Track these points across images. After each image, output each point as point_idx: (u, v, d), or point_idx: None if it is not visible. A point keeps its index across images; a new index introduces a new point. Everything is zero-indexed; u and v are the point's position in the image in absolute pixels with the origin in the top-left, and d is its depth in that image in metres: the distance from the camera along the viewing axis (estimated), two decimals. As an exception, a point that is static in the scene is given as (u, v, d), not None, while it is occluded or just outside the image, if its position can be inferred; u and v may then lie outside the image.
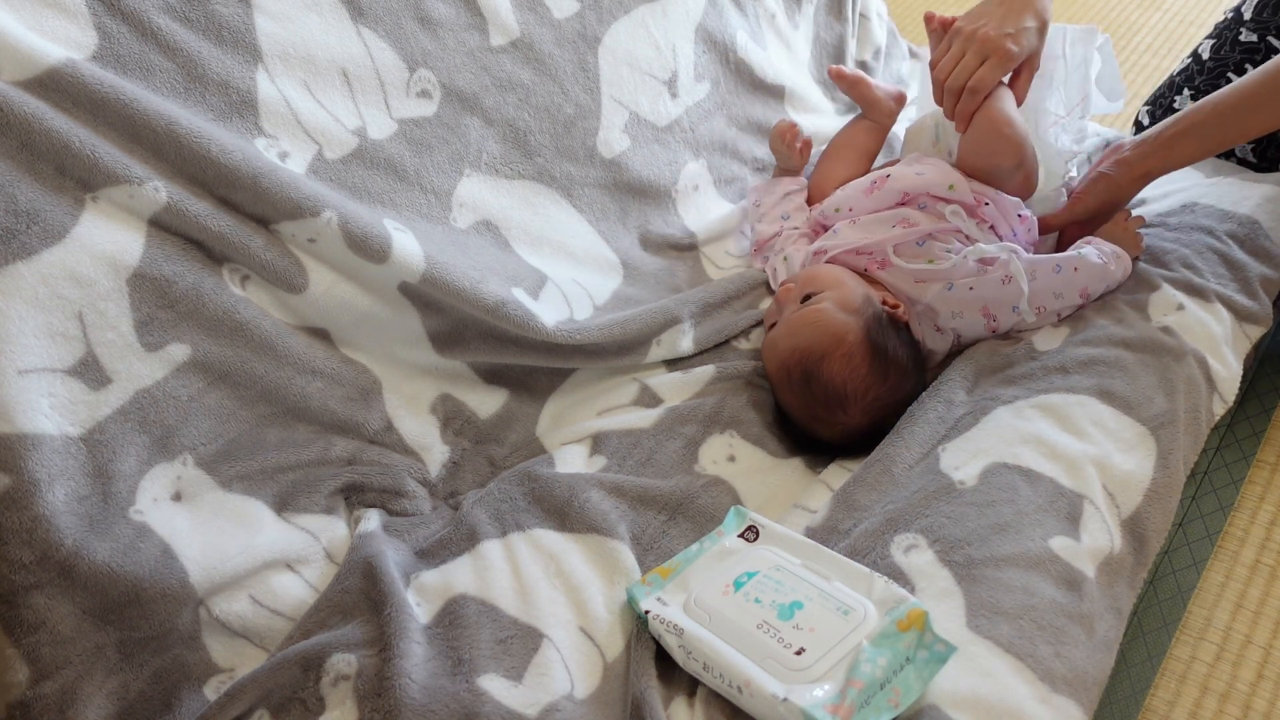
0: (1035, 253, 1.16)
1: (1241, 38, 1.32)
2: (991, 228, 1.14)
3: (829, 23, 1.58)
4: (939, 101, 1.17)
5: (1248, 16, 1.33)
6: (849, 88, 1.34)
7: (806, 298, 1.10)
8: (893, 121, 1.35)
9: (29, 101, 0.81)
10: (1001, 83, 1.14)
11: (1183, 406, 1.00)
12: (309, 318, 0.99)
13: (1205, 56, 1.36)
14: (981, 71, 1.11)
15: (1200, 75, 1.36)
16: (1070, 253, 1.11)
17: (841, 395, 1.03)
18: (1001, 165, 1.14)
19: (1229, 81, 1.32)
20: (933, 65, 1.18)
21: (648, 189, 1.29)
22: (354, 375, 1.01)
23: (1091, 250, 1.12)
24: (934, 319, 1.12)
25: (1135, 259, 1.17)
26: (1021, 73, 1.14)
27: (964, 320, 1.11)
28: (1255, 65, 1.30)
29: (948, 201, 1.15)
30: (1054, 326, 1.11)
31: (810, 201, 1.32)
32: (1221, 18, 1.39)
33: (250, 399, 0.94)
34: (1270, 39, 1.30)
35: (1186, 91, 1.37)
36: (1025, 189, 1.17)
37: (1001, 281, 1.08)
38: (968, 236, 1.13)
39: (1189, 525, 1.13)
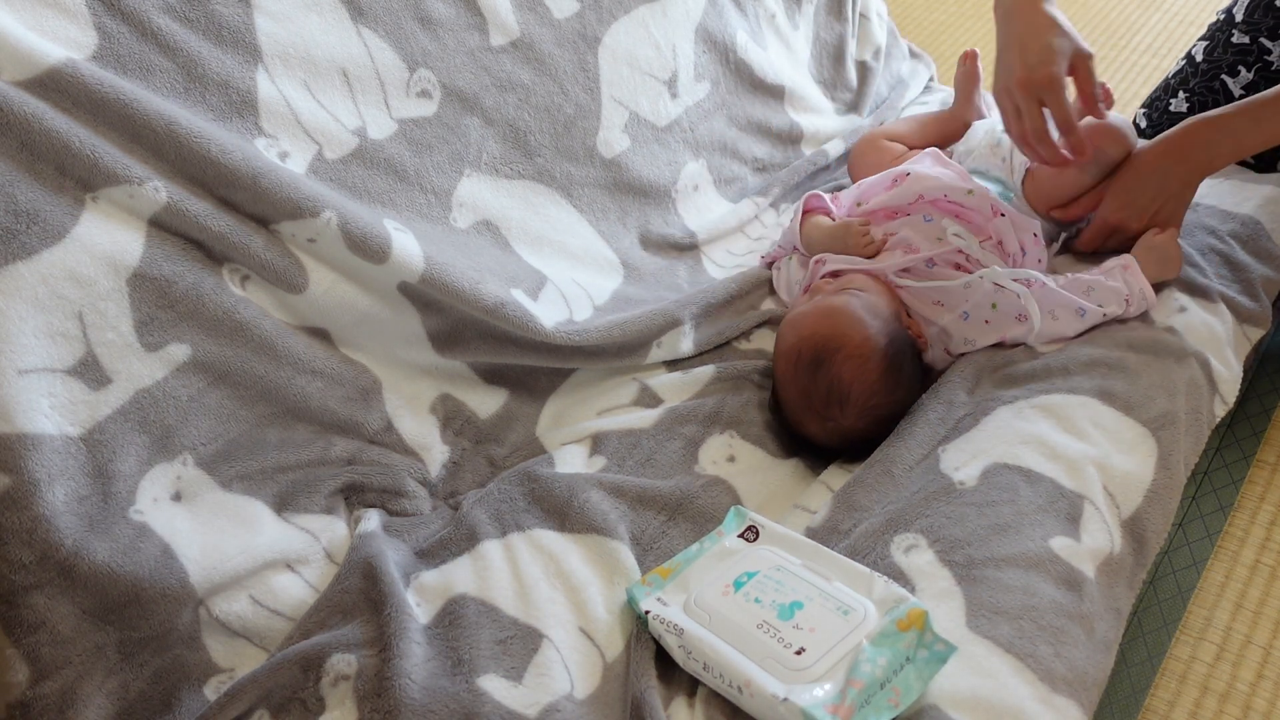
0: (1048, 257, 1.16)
1: (1233, 39, 1.32)
2: (999, 244, 1.14)
3: (829, 23, 1.58)
4: (1033, 157, 1.14)
5: (1239, 18, 1.33)
6: (964, 76, 1.41)
7: None
8: (964, 130, 1.38)
9: (29, 101, 0.81)
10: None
11: (1184, 408, 1.00)
12: (309, 318, 0.99)
13: (1199, 58, 1.37)
14: (1057, 114, 1.07)
15: (1194, 77, 1.36)
16: (1094, 303, 1.08)
17: (844, 393, 1.02)
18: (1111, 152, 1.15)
19: (1222, 84, 1.32)
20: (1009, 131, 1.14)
21: (648, 189, 1.29)
22: (354, 375, 1.01)
23: (1118, 297, 1.09)
24: (946, 342, 1.12)
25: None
26: (1079, 68, 1.09)
27: (976, 347, 1.11)
28: (1247, 67, 1.31)
29: (962, 207, 1.15)
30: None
31: (858, 154, 1.38)
32: (1214, 18, 1.39)
33: (250, 399, 0.94)
34: (1262, 40, 1.30)
35: (1181, 94, 1.37)
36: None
37: (1018, 319, 1.08)
38: (969, 257, 1.13)
39: (1189, 525, 1.13)
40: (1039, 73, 1.07)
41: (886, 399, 1.03)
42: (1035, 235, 1.14)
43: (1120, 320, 1.10)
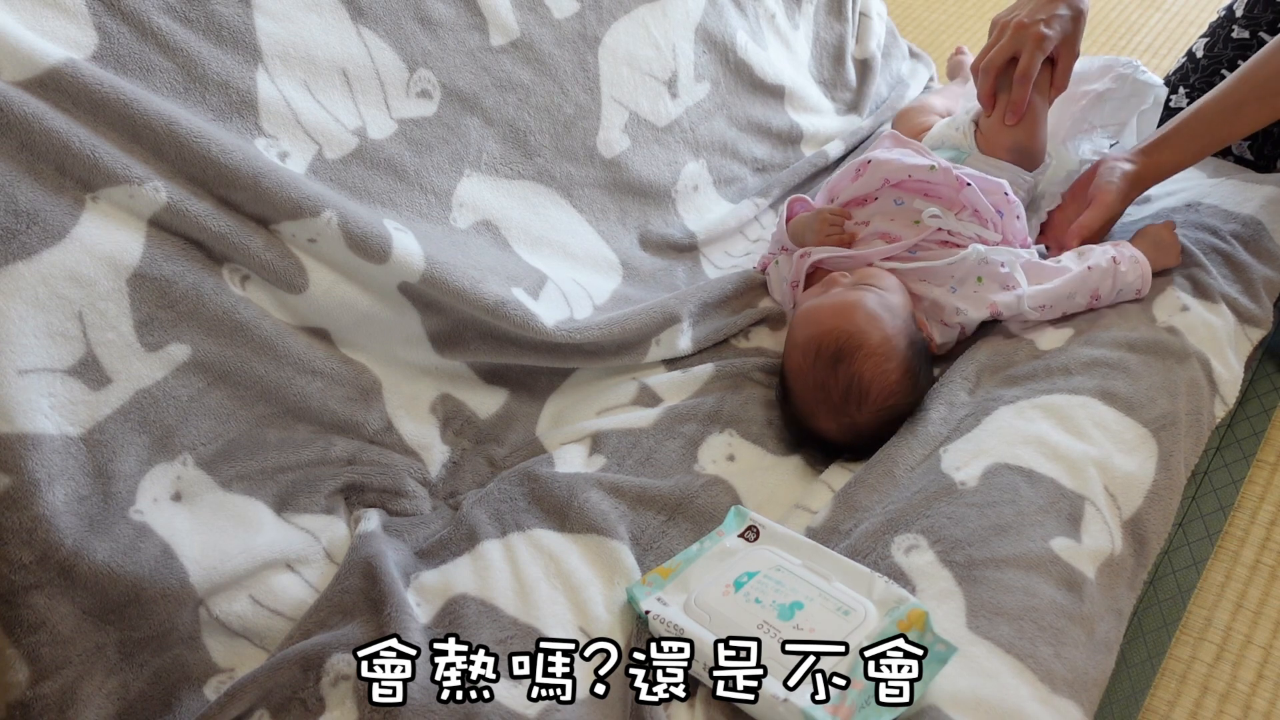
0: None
1: (1234, 35, 1.33)
2: (975, 212, 1.14)
3: (829, 23, 1.58)
4: (979, 87, 1.20)
5: (1239, 14, 1.33)
6: (956, 66, 1.59)
7: None
8: None
9: (29, 101, 0.81)
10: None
11: (1184, 408, 1.00)
12: (309, 318, 0.99)
13: (1199, 55, 1.37)
14: (1023, 60, 1.14)
15: (1195, 74, 1.36)
16: (1079, 275, 1.10)
17: (864, 391, 1.01)
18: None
19: (1223, 79, 1.32)
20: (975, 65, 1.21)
21: (647, 189, 1.29)
22: (354, 375, 1.01)
23: (1106, 255, 1.11)
24: (939, 315, 1.12)
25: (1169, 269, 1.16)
26: (1060, 58, 1.15)
27: (969, 316, 1.11)
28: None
29: (929, 184, 1.14)
30: (1057, 327, 1.10)
31: (899, 118, 1.43)
32: (1215, 16, 1.39)
33: (250, 399, 0.94)
34: (1262, 34, 1.30)
35: (1182, 90, 1.37)
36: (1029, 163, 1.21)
37: (1005, 286, 1.09)
38: (950, 232, 1.13)
39: (1189, 525, 1.13)
40: (1034, 27, 1.14)
41: (903, 400, 1.03)
42: (1006, 194, 1.14)
43: (1114, 306, 1.11)
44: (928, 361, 1.07)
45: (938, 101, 1.44)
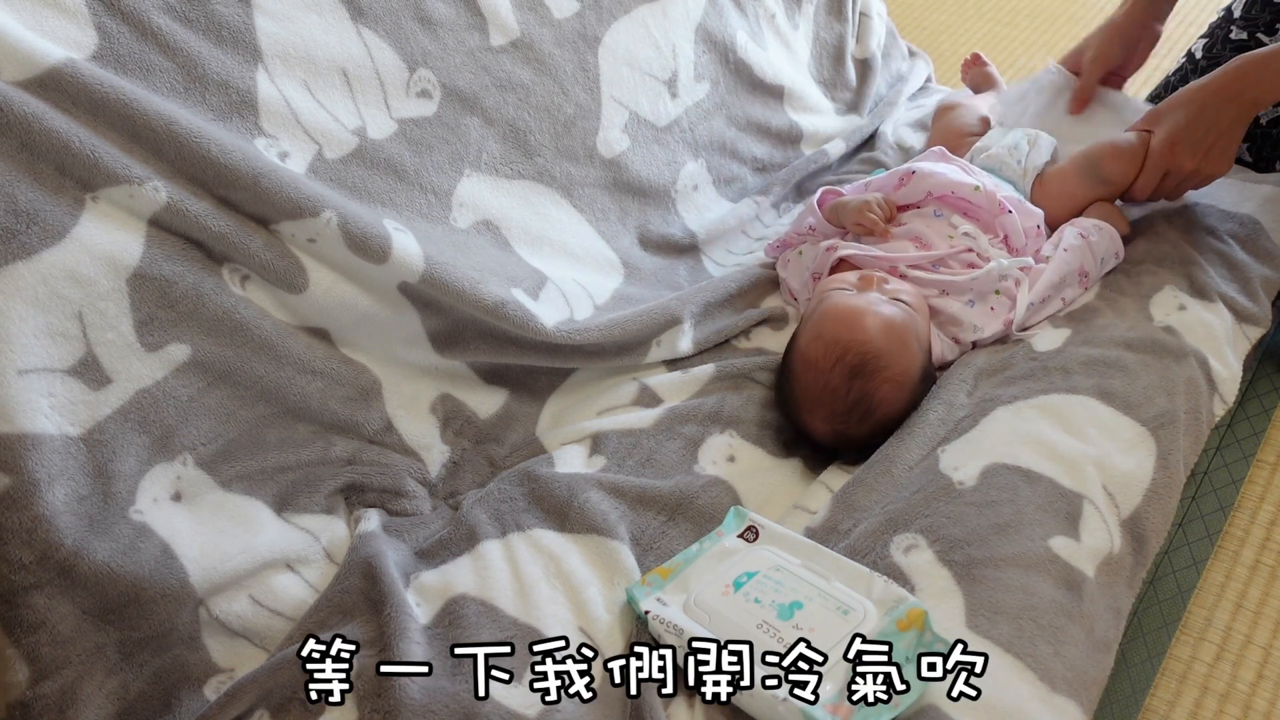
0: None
1: (1232, 35, 1.33)
2: (1005, 239, 1.15)
3: (829, 22, 1.58)
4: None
5: (1238, 14, 1.34)
6: (976, 79, 1.55)
7: None
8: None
9: (29, 101, 0.81)
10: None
11: (1183, 407, 1.00)
12: (309, 318, 0.99)
13: (1198, 55, 1.37)
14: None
15: (1194, 74, 1.36)
16: (1059, 258, 1.13)
17: (870, 410, 1.02)
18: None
19: None
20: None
21: (647, 189, 1.29)
22: (354, 375, 1.01)
23: (1073, 233, 1.15)
24: (956, 331, 1.12)
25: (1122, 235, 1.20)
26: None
27: (984, 334, 1.11)
28: None
29: (970, 203, 1.15)
30: (1055, 327, 1.11)
31: (939, 111, 1.42)
32: (1214, 17, 1.39)
33: (250, 399, 0.94)
34: (1259, 35, 1.30)
35: None
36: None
37: (1015, 304, 1.11)
38: (979, 255, 1.13)
39: (1189, 525, 1.13)
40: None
41: (897, 424, 1.03)
42: (1039, 227, 1.17)
43: (1111, 304, 1.12)
44: (928, 389, 1.07)
45: (977, 105, 1.43)
